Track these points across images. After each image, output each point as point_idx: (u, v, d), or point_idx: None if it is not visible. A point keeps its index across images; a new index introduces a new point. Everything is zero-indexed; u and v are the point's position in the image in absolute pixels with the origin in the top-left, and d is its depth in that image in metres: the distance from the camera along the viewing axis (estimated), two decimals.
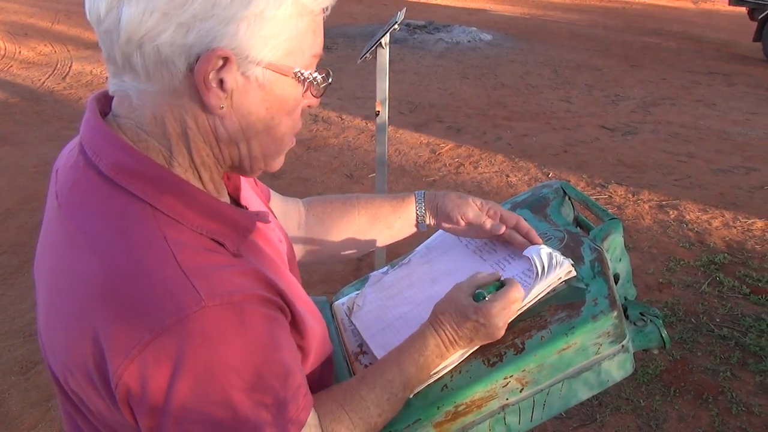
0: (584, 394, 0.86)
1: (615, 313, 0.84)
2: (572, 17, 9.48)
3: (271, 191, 0.99)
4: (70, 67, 6.31)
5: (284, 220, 0.98)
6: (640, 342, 0.91)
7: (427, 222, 1.02)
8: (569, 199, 1.12)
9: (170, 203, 0.63)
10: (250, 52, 0.62)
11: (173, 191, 0.64)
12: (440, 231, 1.10)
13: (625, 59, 7.21)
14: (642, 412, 2.23)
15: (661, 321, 0.92)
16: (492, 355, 0.84)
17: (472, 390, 0.82)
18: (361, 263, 3.08)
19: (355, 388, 0.77)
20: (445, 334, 0.82)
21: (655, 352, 0.94)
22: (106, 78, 0.67)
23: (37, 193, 3.74)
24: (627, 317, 0.91)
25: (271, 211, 0.90)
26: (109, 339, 0.58)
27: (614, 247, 1.00)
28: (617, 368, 0.87)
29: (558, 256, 0.89)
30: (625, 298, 1.01)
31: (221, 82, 0.62)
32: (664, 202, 3.80)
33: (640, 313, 0.92)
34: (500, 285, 0.84)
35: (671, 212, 3.68)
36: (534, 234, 0.95)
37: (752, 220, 3.60)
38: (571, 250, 0.96)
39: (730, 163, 4.43)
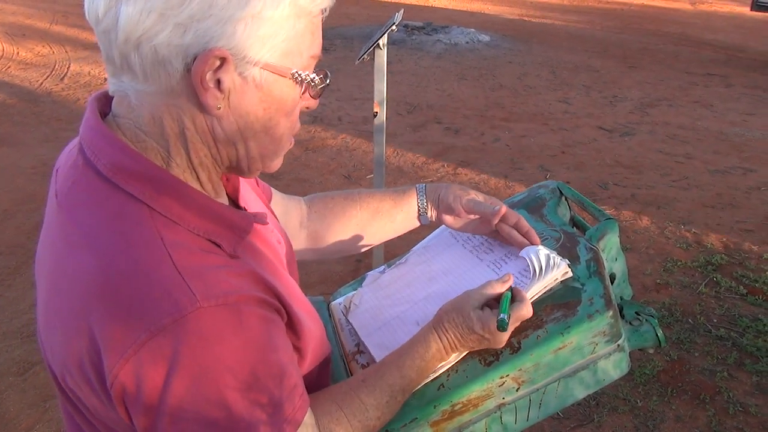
0: (580, 393, 0.87)
1: (611, 313, 0.85)
2: (570, 18, 9.50)
3: (273, 190, 0.99)
4: (68, 68, 6.30)
5: (286, 219, 0.98)
6: (636, 341, 0.92)
7: (429, 214, 1.02)
8: (565, 199, 1.12)
9: (167, 204, 0.64)
10: (248, 52, 0.62)
11: (170, 192, 0.64)
12: (438, 230, 1.10)
13: (622, 60, 7.22)
14: (639, 412, 2.24)
15: (656, 320, 0.93)
16: (488, 355, 0.85)
17: (468, 389, 0.82)
18: (360, 264, 3.08)
19: (355, 391, 0.77)
20: (448, 341, 0.82)
21: (651, 351, 0.94)
22: (105, 79, 0.67)
23: (35, 194, 3.74)
24: (623, 316, 0.92)
25: (272, 212, 0.90)
26: (105, 338, 0.58)
27: (610, 247, 1.00)
28: (613, 367, 0.87)
29: (555, 257, 0.90)
30: (621, 298, 1.01)
31: (218, 83, 0.62)
32: (661, 203, 3.81)
33: (636, 313, 0.93)
34: (511, 295, 0.84)
35: (668, 213, 3.69)
36: (533, 233, 0.96)
37: (749, 221, 3.61)
38: (567, 250, 0.96)
39: (728, 164, 4.44)
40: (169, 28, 0.59)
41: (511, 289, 0.85)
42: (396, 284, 1.01)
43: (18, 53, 6.79)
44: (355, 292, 1.04)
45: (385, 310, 0.96)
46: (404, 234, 1.07)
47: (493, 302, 0.83)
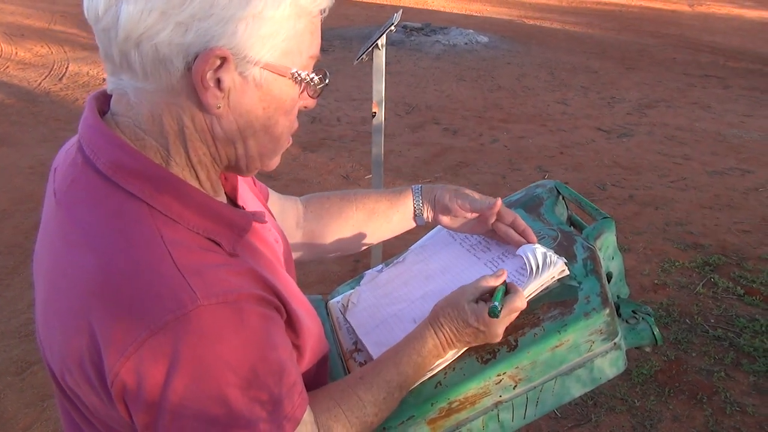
0: (577, 391, 0.87)
1: (607, 311, 0.85)
2: (569, 20, 9.51)
3: (270, 190, 0.99)
4: (66, 68, 6.30)
5: (282, 219, 0.99)
6: (633, 339, 0.92)
7: (425, 215, 1.03)
8: (563, 198, 1.13)
9: (167, 202, 0.64)
10: (248, 52, 0.62)
11: (170, 190, 0.64)
12: (435, 229, 1.11)
13: (621, 62, 7.23)
14: (637, 412, 2.24)
15: (653, 318, 0.93)
16: (485, 353, 0.85)
17: (465, 387, 0.83)
18: (358, 264, 3.08)
19: (353, 388, 0.78)
20: (444, 336, 0.83)
21: (647, 349, 0.95)
22: (104, 79, 0.68)
23: (34, 194, 3.74)
24: (619, 315, 0.92)
25: (269, 211, 0.91)
26: (105, 336, 0.58)
27: (607, 246, 1.01)
28: (610, 365, 0.88)
29: (552, 256, 0.90)
30: (618, 297, 1.02)
31: (218, 82, 0.62)
32: (659, 204, 3.81)
33: (632, 311, 0.93)
34: (506, 289, 0.84)
35: (666, 214, 3.70)
36: (530, 232, 0.96)
37: (747, 222, 3.62)
38: (564, 249, 0.97)
39: (725, 165, 4.45)
40: (170, 26, 0.59)
41: (505, 283, 0.85)
42: (393, 283, 1.02)
43: (16, 53, 6.79)
44: (352, 290, 1.05)
45: (383, 308, 0.97)
46: (402, 233, 1.08)
47: (488, 296, 0.84)
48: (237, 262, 0.66)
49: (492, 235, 1.01)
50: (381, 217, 1.03)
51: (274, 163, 0.74)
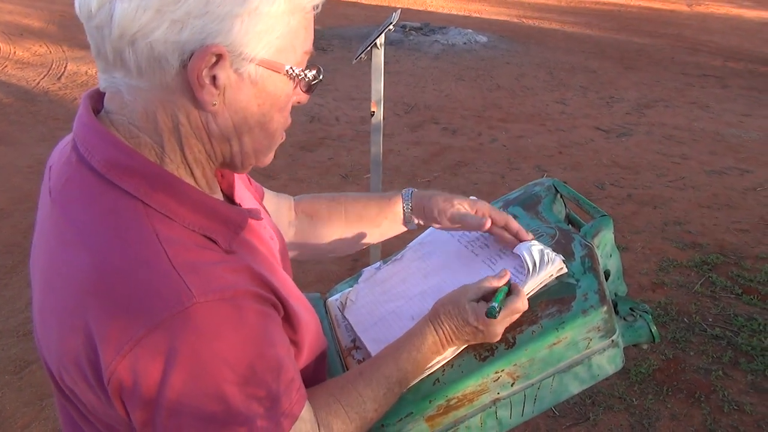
0: (575, 388, 0.87)
1: (605, 308, 0.85)
2: (567, 20, 9.51)
3: (265, 189, 0.99)
4: (65, 68, 6.29)
5: (276, 217, 0.99)
6: (630, 337, 0.92)
7: (416, 221, 1.03)
8: (561, 196, 1.13)
9: (162, 200, 0.64)
10: (244, 48, 0.62)
11: (165, 188, 0.64)
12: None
13: (619, 61, 7.24)
14: (635, 410, 2.24)
15: (650, 316, 0.93)
16: (483, 350, 0.85)
17: (463, 384, 0.83)
18: (357, 263, 3.08)
19: (352, 383, 0.78)
20: (444, 334, 0.83)
21: (645, 346, 0.95)
22: None
23: (32, 193, 3.73)
24: (617, 312, 0.92)
25: (265, 209, 0.91)
26: (102, 334, 0.58)
27: (605, 244, 1.01)
28: (607, 363, 0.88)
29: (550, 253, 0.90)
30: (616, 294, 1.02)
31: (214, 79, 0.62)
32: (657, 203, 3.82)
33: (630, 309, 0.93)
34: (508, 290, 0.84)
35: (665, 213, 3.70)
36: (523, 233, 0.96)
37: (745, 221, 3.63)
38: (562, 247, 0.97)
39: (724, 164, 4.46)
40: (165, 24, 0.59)
41: (509, 284, 0.86)
42: (392, 280, 1.02)
43: (15, 52, 6.78)
44: (351, 288, 1.05)
45: (381, 305, 0.97)
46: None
47: (490, 296, 0.84)
48: (233, 259, 0.66)
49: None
50: (370, 223, 1.03)
51: (269, 158, 0.74)
